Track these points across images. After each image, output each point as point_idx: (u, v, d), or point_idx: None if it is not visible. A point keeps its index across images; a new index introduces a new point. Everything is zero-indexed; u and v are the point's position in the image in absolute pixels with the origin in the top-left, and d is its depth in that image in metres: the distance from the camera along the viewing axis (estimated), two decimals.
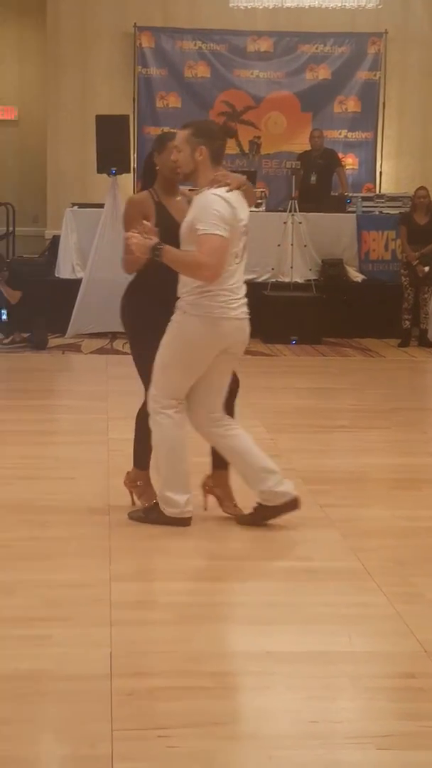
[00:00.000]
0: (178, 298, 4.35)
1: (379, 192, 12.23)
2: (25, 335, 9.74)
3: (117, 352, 9.49)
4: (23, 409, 7.01)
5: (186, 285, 4.33)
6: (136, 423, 4.74)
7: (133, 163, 11.67)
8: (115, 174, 10.25)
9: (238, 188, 4.31)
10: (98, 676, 3.10)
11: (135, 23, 12.38)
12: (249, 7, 12.50)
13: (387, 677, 3.20)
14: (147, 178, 4.74)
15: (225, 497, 4.66)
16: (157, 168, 4.62)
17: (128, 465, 5.63)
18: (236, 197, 4.30)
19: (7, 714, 2.89)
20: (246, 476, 4.50)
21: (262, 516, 4.50)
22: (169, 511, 4.44)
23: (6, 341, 9.75)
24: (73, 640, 3.37)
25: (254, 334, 10.23)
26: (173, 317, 4.38)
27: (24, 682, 3.06)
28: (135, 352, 4.75)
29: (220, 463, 4.63)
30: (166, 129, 12.57)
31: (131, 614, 3.59)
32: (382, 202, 11.32)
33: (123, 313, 4.73)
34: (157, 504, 4.52)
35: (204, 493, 4.67)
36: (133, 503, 4.73)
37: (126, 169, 10.61)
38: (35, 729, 2.86)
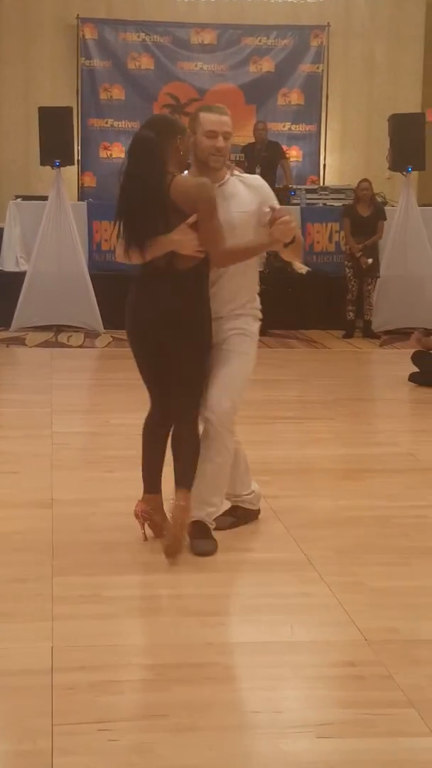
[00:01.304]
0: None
1: (323, 184, 12.31)
2: None
3: (62, 345, 9.44)
4: None
5: (250, 292, 4.19)
6: (177, 444, 4.20)
7: (77, 155, 11.61)
8: (59, 166, 10.18)
9: None
10: (39, 671, 3.09)
11: (78, 15, 12.31)
12: None
13: (328, 666, 3.23)
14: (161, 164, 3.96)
15: (163, 522, 4.22)
16: (182, 153, 3.99)
17: (73, 458, 5.64)
18: None
19: None
20: (234, 478, 4.40)
21: (245, 519, 4.49)
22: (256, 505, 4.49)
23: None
24: (13, 634, 3.35)
25: None
26: (248, 327, 4.15)
27: None
28: (196, 367, 4.09)
29: (154, 488, 4.31)
30: (110, 121, 12.58)
31: (73, 609, 3.57)
32: (326, 194, 11.38)
33: (198, 325, 4.05)
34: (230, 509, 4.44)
35: (140, 523, 4.23)
36: (145, 538, 4.22)
37: (70, 162, 10.54)
38: None
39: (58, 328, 10.04)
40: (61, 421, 6.40)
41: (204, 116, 3.97)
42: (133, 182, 3.97)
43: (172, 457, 4.23)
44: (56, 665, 3.12)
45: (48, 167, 10.37)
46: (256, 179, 4.21)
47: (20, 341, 9.63)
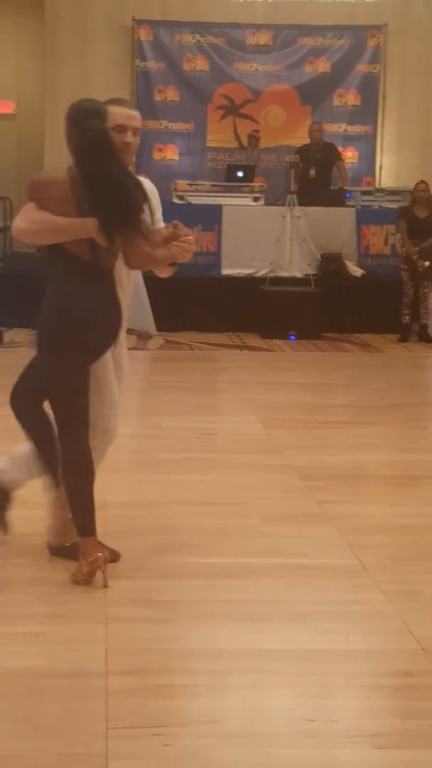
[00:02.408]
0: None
1: (379, 186, 12.22)
2: None
3: None
4: None
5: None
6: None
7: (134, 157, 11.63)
8: None
9: None
10: (93, 673, 3.08)
11: (134, 17, 12.35)
12: (248, 0, 12.48)
13: (384, 675, 3.18)
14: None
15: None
16: None
17: (126, 460, 5.66)
18: None
19: (0, 712, 2.86)
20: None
21: None
22: None
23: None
24: (67, 636, 3.35)
25: (252, 329, 10.23)
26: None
27: (18, 679, 3.04)
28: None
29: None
30: (164, 123, 12.61)
31: (125, 612, 3.56)
32: (382, 196, 11.29)
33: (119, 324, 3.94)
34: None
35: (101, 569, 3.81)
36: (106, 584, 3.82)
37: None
38: (30, 727, 2.83)
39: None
40: None
41: (112, 110, 3.74)
42: (105, 176, 3.66)
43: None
44: (110, 668, 3.11)
45: None
46: (150, 184, 3.98)
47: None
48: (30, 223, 3.67)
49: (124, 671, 3.10)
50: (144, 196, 3.72)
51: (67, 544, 4.01)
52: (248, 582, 3.89)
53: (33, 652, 3.22)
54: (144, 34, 12.47)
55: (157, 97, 12.61)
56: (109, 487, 4.99)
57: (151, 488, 5.08)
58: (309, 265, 10.67)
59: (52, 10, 12.44)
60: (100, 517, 4.49)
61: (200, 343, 9.87)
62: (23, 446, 3.98)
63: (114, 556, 3.97)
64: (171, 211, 10.95)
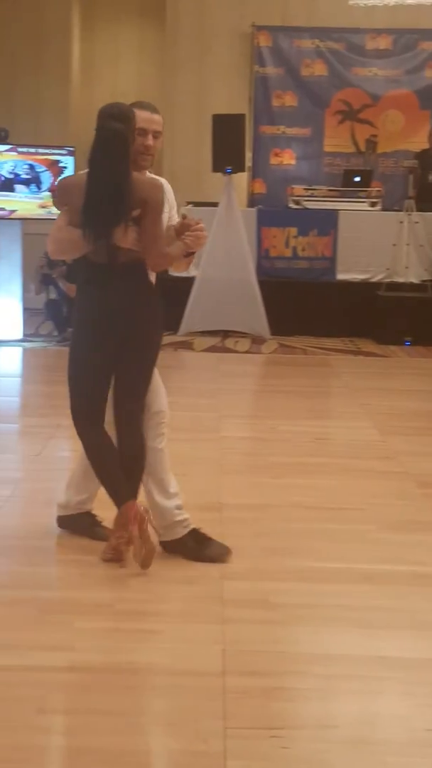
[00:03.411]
0: None
1: None
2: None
3: (229, 350, 9.52)
4: None
5: None
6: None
7: (248, 162, 11.68)
8: (230, 173, 10.27)
9: None
10: (211, 673, 3.10)
11: (253, 23, 12.40)
12: (368, 4, 12.40)
13: None
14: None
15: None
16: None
17: (241, 462, 5.68)
18: None
19: (120, 707, 2.90)
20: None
21: None
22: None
23: (58, 337, 9.66)
24: (184, 635, 3.38)
25: (367, 334, 10.14)
26: None
27: (137, 675, 3.08)
28: (149, 364, 4.08)
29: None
30: (281, 128, 12.62)
31: (242, 613, 3.57)
32: None
33: (153, 317, 4.04)
34: None
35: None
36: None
37: (241, 168, 10.61)
38: (148, 722, 2.87)
39: (225, 334, 10.13)
40: (228, 426, 6.45)
41: (136, 113, 3.83)
42: (102, 174, 3.77)
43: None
44: (227, 668, 3.13)
45: (219, 174, 10.48)
46: (164, 183, 4.05)
47: (188, 345, 9.76)
48: (56, 243, 3.90)
49: (241, 672, 3.12)
50: (131, 205, 3.78)
51: (178, 537, 4.07)
52: (365, 588, 3.86)
53: (152, 649, 3.25)
54: (263, 40, 12.50)
55: (275, 103, 12.62)
56: (224, 489, 5.04)
57: (266, 491, 5.09)
58: (426, 270, 10.53)
59: (174, 18, 12.59)
60: (214, 518, 4.54)
61: (314, 347, 9.84)
62: (77, 467, 4.25)
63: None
64: (286, 216, 11.04)
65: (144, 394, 4.04)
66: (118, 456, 4.01)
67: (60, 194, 4.05)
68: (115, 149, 3.75)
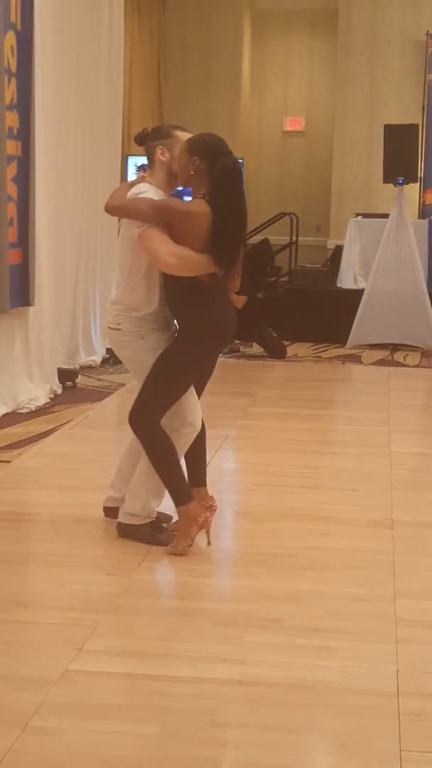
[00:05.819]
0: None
1: None
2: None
3: (398, 364, 9.38)
4: (304, 419, 7.04)
5: None
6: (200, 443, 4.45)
7: (420, 173, 11.51)
8: (401, 184, 10.14)
9: None
10: (385, 693, 3.04)
11: (428, 31, 12.21)
12: None
13: None
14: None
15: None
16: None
17: (412, 479, 5.58)
18: None
19: (292, 723, 2.87)
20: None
21: None
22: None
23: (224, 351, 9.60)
24: (357, 653, 3.33)
25: None
26: None
27: (310, 692, 3.05)
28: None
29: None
30: None
31: (417, 633, 3.49)
32: None
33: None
34: None
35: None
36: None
37: (413, 179, 10.47)
38: (321, 741, 2.83)
39: (394, 347, 9.99)
40: (399, 441, 6.34)
41: (182, 135, 4.27)
42: (240, 204, 4.13)
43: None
44: (402, 689, 3.06)
45: (389, 185, 10.36)
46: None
47: (356, 359, 9.67)
48: (180, 259, 4.00)
49: (416, 694, 3.04)
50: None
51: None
52: None
53: (326, 667, 3.21)
54: None
55: None
56: (395, 505, 4.95)
57: None
58: None
59: (346, 27, 12.54)
60: (386, 535, 4.47)
61: None
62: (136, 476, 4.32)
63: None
64: None
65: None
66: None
67: (183, 217, 4.06)
68: (240, 180, 4.17)
